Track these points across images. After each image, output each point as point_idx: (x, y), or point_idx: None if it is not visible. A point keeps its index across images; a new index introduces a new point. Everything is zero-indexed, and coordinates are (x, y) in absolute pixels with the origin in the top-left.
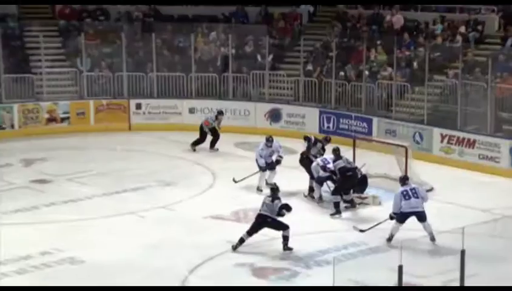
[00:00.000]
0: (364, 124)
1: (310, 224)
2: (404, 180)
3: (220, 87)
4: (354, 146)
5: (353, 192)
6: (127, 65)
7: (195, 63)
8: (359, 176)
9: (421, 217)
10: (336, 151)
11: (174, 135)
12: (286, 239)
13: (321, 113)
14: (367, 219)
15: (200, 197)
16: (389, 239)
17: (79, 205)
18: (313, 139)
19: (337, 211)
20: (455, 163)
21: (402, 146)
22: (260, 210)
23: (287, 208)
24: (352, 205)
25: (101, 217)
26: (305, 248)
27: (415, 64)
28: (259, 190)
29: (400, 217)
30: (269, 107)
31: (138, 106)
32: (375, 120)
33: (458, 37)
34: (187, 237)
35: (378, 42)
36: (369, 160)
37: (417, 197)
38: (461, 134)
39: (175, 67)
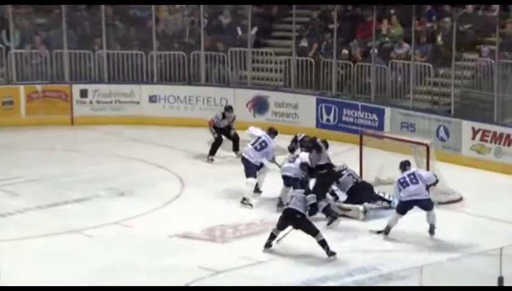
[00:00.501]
0: (374, 116)
1: (303, 242)
2: (404, 166)
3: (189, 69)
4: (361, 144)
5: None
6: (69, 41)
7: (157, 38)
8: (352, 180)
9: (425, 206)
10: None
11: (130, 131)
12: (324, 243)
13: (318, 102)
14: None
15: (164, 211)
16: (386, 232)
17: (8, 222)
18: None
19: (332, 218)
20: (490, 165)
21: (422, 144)
22: (288, 204)
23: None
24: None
25: (37, 236)
26: (297, 276)
27: (439, 39)
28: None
29: (400, 207)
30: (251, 94)
31: (83, 93)
32: (387, 111)
33: (495, 5)
34: (147, 262)
35: (392, 11)
36: (379, 162)
37: (417, 183)
38: (498, 129)
39: (130, 43)
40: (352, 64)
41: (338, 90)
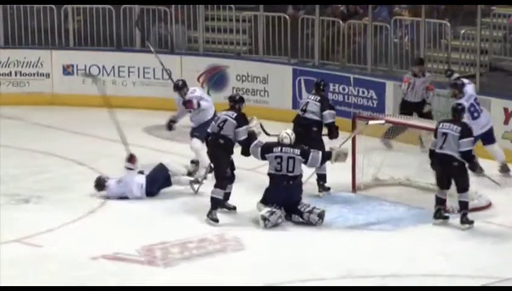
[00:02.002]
0: (372, 93)
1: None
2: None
3: (119, 29)
4: (354, 131)
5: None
6: None
7: None
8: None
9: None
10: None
11: (36, 114)
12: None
13: (296, 73)
14: None
15: (84, 224)
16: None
17: None
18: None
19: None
20: None
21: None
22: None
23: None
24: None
25: None
26: None
27: None
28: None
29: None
30: (204, 63)
31: None
32: (389, 86)
33: None
34: None
35: None
36: (379, 156)
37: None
38: None
39: None
40: (341, 22)
41: (323, 58)
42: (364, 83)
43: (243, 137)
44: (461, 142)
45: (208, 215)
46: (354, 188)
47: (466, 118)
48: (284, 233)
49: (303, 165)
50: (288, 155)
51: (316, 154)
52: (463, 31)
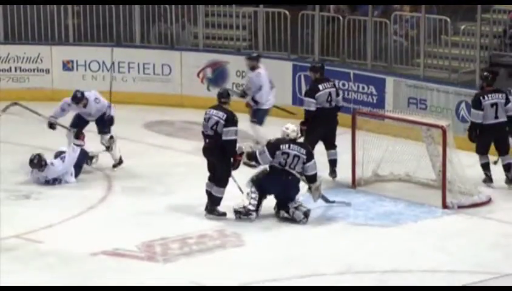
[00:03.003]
0: (372, 88)
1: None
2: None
3: (119, 25)
4: (354, 127)
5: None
6: None
7: None
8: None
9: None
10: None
11: (37, 109)
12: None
13: (296, 69)
14: None
15: (84, 219)
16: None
17: None
18: None
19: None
20: None
21: (437, 127)
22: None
23: None
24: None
25: None
26: None
27: None
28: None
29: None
30: (205, 58)
31: None
32: (389, 81)
33: None
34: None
35: None
36: (378, 152)
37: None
38: None
39: None
40: (341, 18)
41: (323, 54)
42: (364, 79)
43: (230, 137)
44: (507, 107)
45: (212, 213)
46: (354, 183)
47: None
48: (284, 229)
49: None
50: (295, 153)
51: (314, 165)
52: (463, 27)
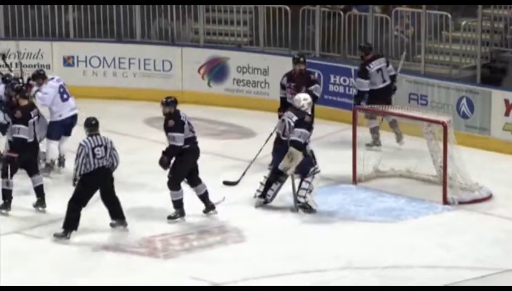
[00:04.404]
0: None
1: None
2: None
3: (119, 20)
4: (354, 123)
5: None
6: None
7: None
8: None
9: None
10: None
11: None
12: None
13: None
14: None
15: (86, 215)
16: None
17: None
18: None
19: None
20: None
21: (437, 122)
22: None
23: None
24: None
25: None
26: None
27: None
28: None
29: None
30: (205, 54)
31: None
32: None
33: None
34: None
35: None
36: (379, 147)
37: None
38: None
39: None
40: (342, 13)
41: (324, 50)
42: None
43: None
44: (388, 69)
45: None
46: (355, 179)
47: None
48: (285, 224)
49: None
50: (288, 120)
51: (303, 134)
52: (464, 23)
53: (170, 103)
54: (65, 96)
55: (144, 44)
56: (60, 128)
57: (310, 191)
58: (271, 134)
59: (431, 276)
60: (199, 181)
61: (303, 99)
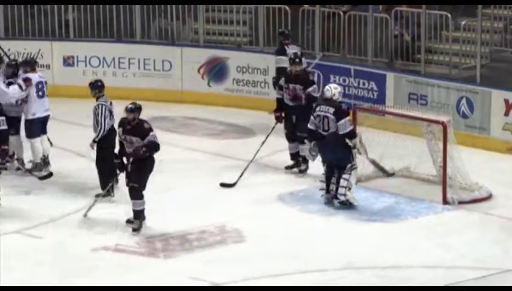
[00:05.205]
0: (372, 84)
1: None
2: None
3: (119, 20)
4: (354, 122)
5: None
6: None
7: None
8: None
9: None
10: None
11: None
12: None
13: None
14: None
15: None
16: None
17: None
18: None
19: None
20: None
21: (437, 122)
22: None
23: None
24: None
25: None
26: None
27: None
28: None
29: None
30: (205, 54)
31: None
32: (390, 77)
33: None
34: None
35: None
36: (379, 148)
37: None
38: None
39: None
40: (342, 14)
41: (323, 49)
42: (365, 74)
43: None
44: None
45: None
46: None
47: None
48: (285, 224)
49: None
50: (324, 113)
51: (348, 122)
52: (463, 22)
53: (136, 110)
54: (40, 93)
55: (143, 44)
56: (38, 125)
57: (350, 188)
58: (268, 136)
59: (431, 276)
60: None
61: (333, 88)
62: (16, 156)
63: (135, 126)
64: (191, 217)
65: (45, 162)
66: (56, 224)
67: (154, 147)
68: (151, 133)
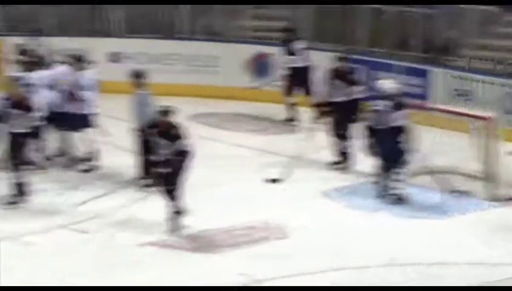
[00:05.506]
0: (417, 80)
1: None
2: None
3: (165, 17)
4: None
5: None
6: None
7: None
8: None
9: None
10: None
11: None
12: None
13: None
14: None
15: (132, 210)
16: None
17: None
18: None
19: None
20: None
21: (483, 118)
22: None
23: None
24: None
25: None
26: None
27: None
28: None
29: None
30: (251, 50)
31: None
32: (434, 73)
33: None
34: (109, 282)
35: None
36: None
37: None
38: None
39: None
40: (387, 10)
41: (369, 46)
42: (411, 70)
43: None
44: None
45: None
46: None
47: None
48: (330, 220)
49: None
50: (382, 108)
51: (404, 116)
52: (509, 18)
53: (169, 113)
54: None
55: (190, 40)
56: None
57: (402, 183)
58: (311, 131)
59: (475, 274)
60: None
61: (388, 82)
62: (60, 152)
63: (167, 129)
64: (237, 213)
65: (92, 156)
66: (102, 219)
67: (185, 155)
68: (181, 140)
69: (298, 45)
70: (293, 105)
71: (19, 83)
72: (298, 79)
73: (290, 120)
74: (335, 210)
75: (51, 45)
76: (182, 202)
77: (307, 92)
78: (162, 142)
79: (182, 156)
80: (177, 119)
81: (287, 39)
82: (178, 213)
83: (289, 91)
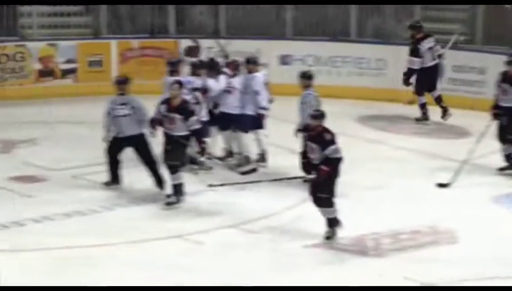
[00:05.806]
0: None
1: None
2: None
3: (335, 19)
4: None
5: None
6: None
7: None
8: None
9: None
10: None
11: None
12: None
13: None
14: None
15: (297, 212)
16: None
17: (93, 220)
18: None
19: None
20: None
21: None
22: None
23: None
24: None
25: (126, 242)
26: None
27: None
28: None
29: None
30: None
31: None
32: None
33: None
34: (274, 280)
35: None
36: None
37: None
38: None
39: None
40: None
41: None
42: None
43: None
44: (436, 48)
45: None
46: None
47: None
48: (500, 227)
49: None
50: None
51: None
52: None
53: (319, 117)
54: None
55: (358, 43)
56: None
57: None
58: (482, 136)
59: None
60: None
61: None
62: (227, 153)
63: (318, 133)
64: (403, 216)
65: (262, 158)
66: (269, 220)
67: (334, 162)
68: (331, 147)
69: (427, 44)
70: (424, 105)
71: (182, 87)
72: (429, 78)
73: (422, 119)
74: (506, 216)
75: (228, 46)
76: (333, 211)
77: (434, 91)
78: (313, 146)
79: (331, 163)
80: (343, 121)
81: (416, 38)
82: (331, 223)
83: (420, 90)
